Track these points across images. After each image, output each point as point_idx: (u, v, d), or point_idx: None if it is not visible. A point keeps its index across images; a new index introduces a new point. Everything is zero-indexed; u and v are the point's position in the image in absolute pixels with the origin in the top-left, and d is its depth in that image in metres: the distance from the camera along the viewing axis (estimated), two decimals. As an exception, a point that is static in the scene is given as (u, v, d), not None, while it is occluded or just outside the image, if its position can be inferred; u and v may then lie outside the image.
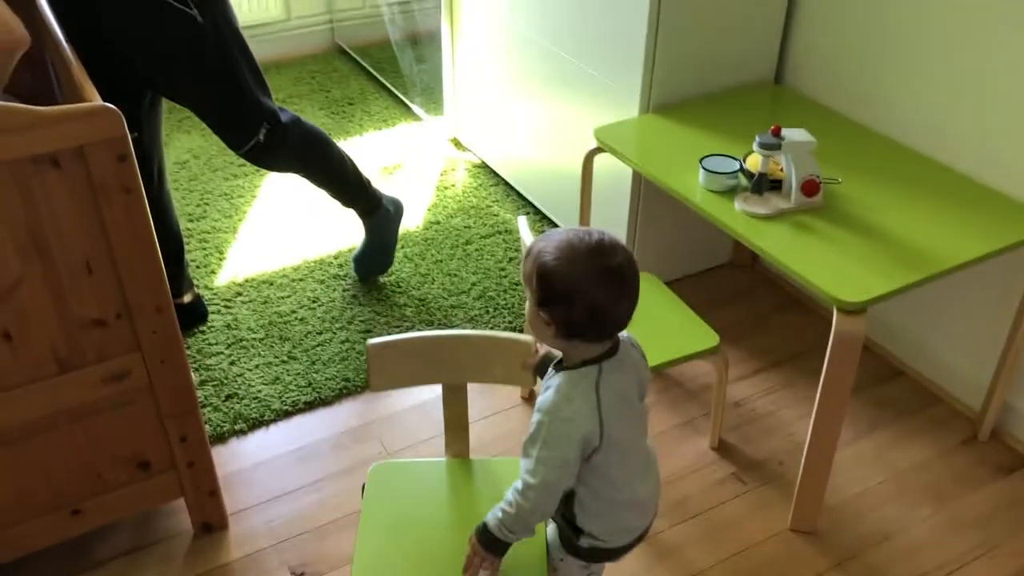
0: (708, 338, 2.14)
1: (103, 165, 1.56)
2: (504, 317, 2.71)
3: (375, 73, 4.07)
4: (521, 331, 2.63)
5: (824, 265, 1.91)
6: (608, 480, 1.46)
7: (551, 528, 1.61)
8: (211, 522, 2.08)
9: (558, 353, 1.50)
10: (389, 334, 2.65)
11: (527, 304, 1.41)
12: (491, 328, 2.67)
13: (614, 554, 1.57)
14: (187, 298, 2.63)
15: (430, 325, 2.68)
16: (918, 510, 2.17)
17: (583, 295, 1.31)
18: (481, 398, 2.43)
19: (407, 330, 2.67)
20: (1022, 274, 2.14)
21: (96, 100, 1.60)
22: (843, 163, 2.24)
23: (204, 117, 2.37)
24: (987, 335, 2.32)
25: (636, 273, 1.36)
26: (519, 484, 1.41)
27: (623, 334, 1.45)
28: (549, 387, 1.42)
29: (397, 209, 2.84)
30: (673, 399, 2.47)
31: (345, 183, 2.67)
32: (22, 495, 1.81)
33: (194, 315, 2.65)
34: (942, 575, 2.02)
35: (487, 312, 2.73)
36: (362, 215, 2.78)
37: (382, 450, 2.30)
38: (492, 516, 1.45)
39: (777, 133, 2.04)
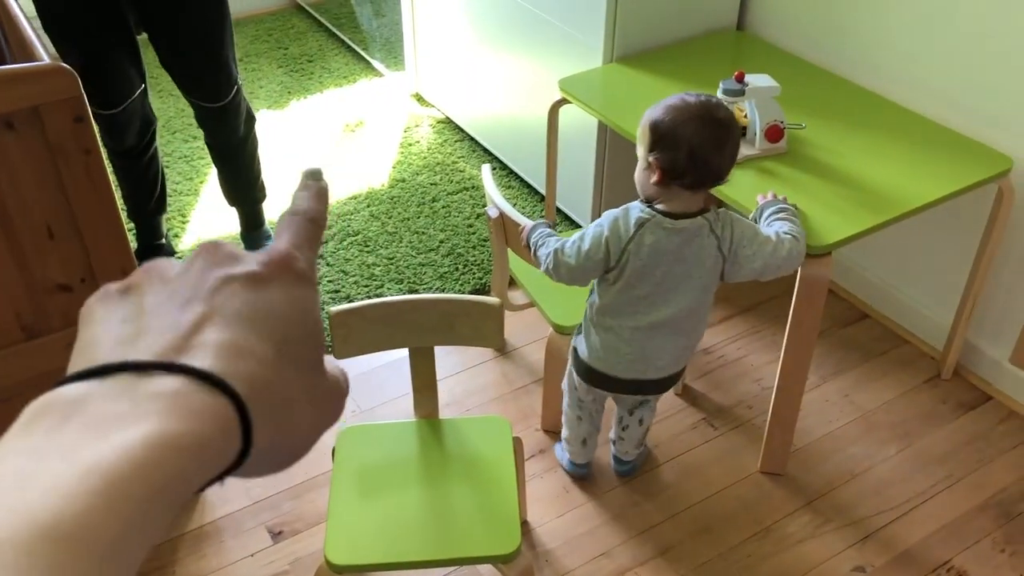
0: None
1: (60, 126, 1.52)
2: (474, 274, 2.70)
3: (333, 29, 4.00)
4: (489, 289, 2.63)
5: (790, 210, 1.92)
6: (606, 304, 1.73)
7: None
8: (186, 485, 2.07)
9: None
10: (358, 294, 2.66)
11: (638, 161, 1.65)
12: (461, 285, 2.67)
13: (597, 378, 1.81)
14: (163, 240, 2.71)
15: (399, 283, 2.67)
16: (884, 448, 2.22)
17: (688, 137, 1.55)
18: (454, 354, 2.44)
19: (376, 289, 2.66)
20: (982, 218, 2.18)
21: (46, 60, 1.55)
22: (807, 109, 2.25)
23: (202, 67, 2.33)
24: (949, 277, 2.36)
25: (737, 133, 1.60)
26: (563, 244, 1.69)
27: (716, 222, 1.64)
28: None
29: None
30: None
31: (259, 169, 2.65)
32: (-8, 464, 1.79)
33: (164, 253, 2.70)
34: (908, 509, 2.08)
35: (456, 269, 2.72)
36: (254, 220, 2.72)
37: (356, 408, 2.30)
38: (542, 239, 1.75)
39: (741, 79, 2.04)
